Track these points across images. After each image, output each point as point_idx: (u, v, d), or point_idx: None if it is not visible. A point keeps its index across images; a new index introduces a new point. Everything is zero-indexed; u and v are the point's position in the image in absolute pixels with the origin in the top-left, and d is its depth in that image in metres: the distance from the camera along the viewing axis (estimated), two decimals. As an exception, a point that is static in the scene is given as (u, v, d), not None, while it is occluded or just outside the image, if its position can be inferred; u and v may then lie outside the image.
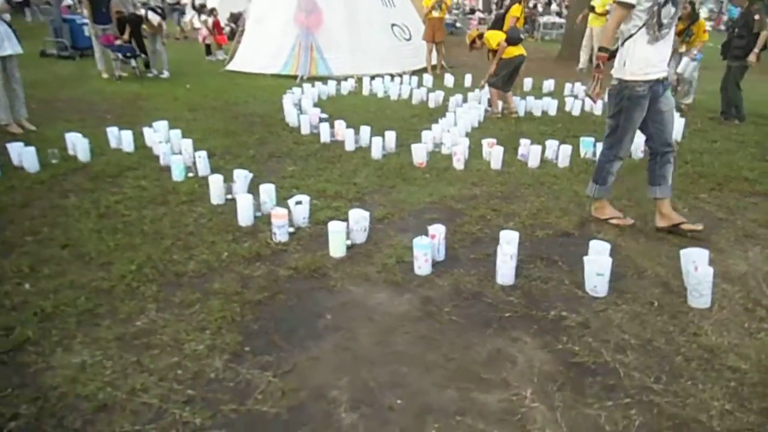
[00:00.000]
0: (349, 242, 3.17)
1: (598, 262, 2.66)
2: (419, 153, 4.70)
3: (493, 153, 4.68)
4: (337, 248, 3.10)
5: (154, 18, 8.48)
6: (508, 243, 2.93)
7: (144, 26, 8.52)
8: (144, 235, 3.28)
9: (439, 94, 7.29)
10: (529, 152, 4.75)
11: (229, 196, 3.85)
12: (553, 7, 21.90)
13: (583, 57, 10.60)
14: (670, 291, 2.75)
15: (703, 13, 16.03)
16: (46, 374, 2.10)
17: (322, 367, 2.19)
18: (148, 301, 2.60)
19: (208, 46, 11.45)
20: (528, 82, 8.42)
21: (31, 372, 2.11)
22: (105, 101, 7.10)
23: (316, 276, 2.89)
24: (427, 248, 2.89)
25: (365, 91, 8.07)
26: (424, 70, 9.91)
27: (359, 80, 8.41)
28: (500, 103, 6.70)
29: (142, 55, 8.68)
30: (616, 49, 3.32)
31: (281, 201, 3.65)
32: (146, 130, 5.06)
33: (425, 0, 9.87)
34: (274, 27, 9.56)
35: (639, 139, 5.11)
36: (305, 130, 5.67)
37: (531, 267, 2.97)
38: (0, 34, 5.10)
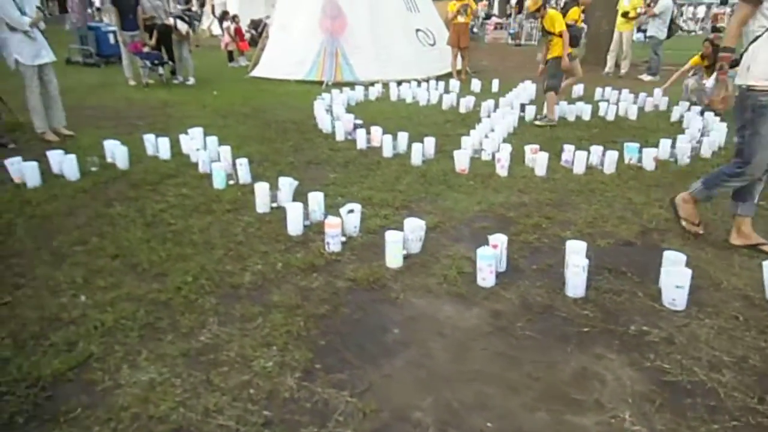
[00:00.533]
0: (404, 252, 3.07)
1: (677, 274, 2.53)
2: (462, 159, 4.59)
3: (538, 159, 4.56)
4: (394, 259, 3.00)
5: (182, 27, 8.48)
6: (576, 253, 2.81)
7: (173, 35, 8.52)
8: (194, 245, 3.20)
9: (470, 100, 7.19)
10: (575, 158, 4.63)
11: (275, 204, 3.77)
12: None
13: (610, 62, 10.46)
14: (752, 304, 2.62)
15: None
16: (116, 393, 2.01)
17: (399, 385, 2.08)
18: (208, 315, 2.51)
19: (230, 53, 11.46)
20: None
21: (99, 390, 2.03)
22: (134, 108, 7.08)
23: (375, 288, 2.79)
24: (492, 259, 2.77)
25: (393, 97, 8.00)
26: (449, 75, 9.81)
27: (386, 86, 8.35)
28: (557, 109, 6.52)
29: (170, 63, 8.67)
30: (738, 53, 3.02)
31: (327, 209, 3.57)
32: (183, 138, 5.00)
33: (450, 5, 9.80)
34: (299, 33, 9.53)
35: (686, 144, 4.99)
36: (340, 136, 5.59)
37: (599, 278, 2.84)
38: (37, 43, 5.09)
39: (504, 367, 2.19)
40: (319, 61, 9.31)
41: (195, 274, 2.84)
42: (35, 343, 2.28)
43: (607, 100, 7.43)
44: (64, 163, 4.26)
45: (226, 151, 4.58)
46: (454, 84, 8.59)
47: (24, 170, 4.08)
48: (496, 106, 7.02)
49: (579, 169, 4.61)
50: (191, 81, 8.94)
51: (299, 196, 3.85)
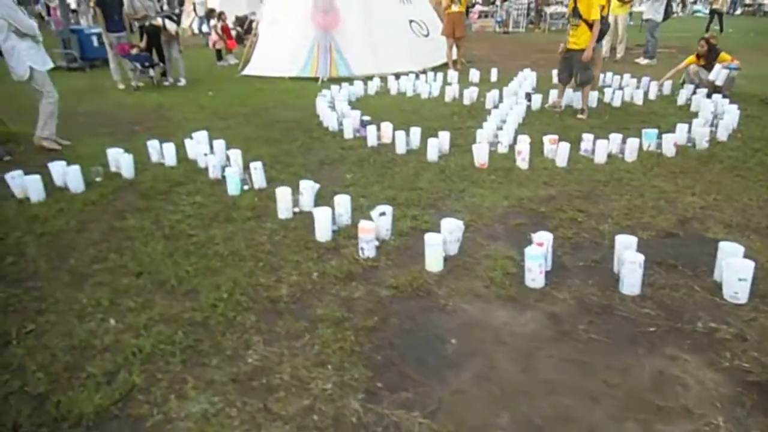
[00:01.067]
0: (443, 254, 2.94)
1: (740, 267, 2.43)
2: (481, 154, 4.46)
3: (559, 150, 4.45)
4: (434, 262, 2.87)
5: (171, 26, 8.19)
6: (627, 248, 2.70)
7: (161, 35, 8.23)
8: (220, 257, 3.03)
9: (474, 90, 7.05)
10: (595, 147, 4.53)
11: (296, 210, 3.61)
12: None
13: (606, 46, 10.37)
14: (815, 294, 2.54)
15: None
16: (167, 429, 1.85)
17: (471, 402, 1.96)
18: (251, 333, 2.36)
19: (218, 51, 11.16)
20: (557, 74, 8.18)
21: (149, 427, 1.87)
22: (128, 112, 6.82)
23: (420, 294, 2.65)
24: (542, 258, 2.65)
25: (393, 91, 7.83)
26: (445, 66, 9.66)
27: (384, 79, 8.18)
28: (565, 97, 6.38)
29: (161, 64, 8.39)
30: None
31: (354, 212, 3.42)
32: (188, 142, 4.80)
33: (444, -6, 9.62)
34: (291, 29, 9.28)
35: (704, 129, 4.92)
36: (348, 134, 5.42)
37: (651, 273, 2.73)
38: (42, 48, 4.92)
39: (577, 375, 2.07)
40: (313, 57, 9.09)
41: (228, 289, 2.67)
42: (70, 376, 2.11)
43: (610, 86, 7.35)
44: (68, 174, 4.03)
45: (236, 154, 4.39)
46: (453, 75, 8.44)
47: (27, 184, 3.85)
48: (501, 96, 6.90)
49: (600, 158, 4.50)
50: (182, 82, 8.66)
51: (319, 199, 3.70)
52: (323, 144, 5.27)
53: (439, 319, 2.46)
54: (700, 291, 2.58)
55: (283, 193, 3.52)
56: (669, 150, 4.63)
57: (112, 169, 4.48)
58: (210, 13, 11.41)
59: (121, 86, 8.43)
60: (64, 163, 4.16)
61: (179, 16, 8.87)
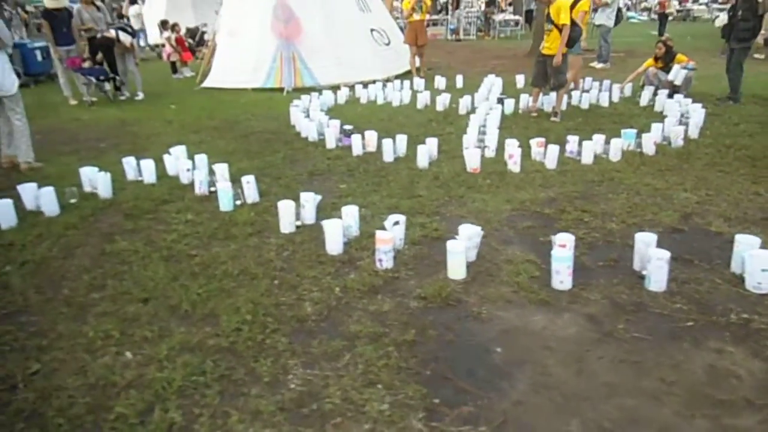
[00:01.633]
0: (463, 261, 2.88)
1: (763, 258, 2.51)
2: (473, 159, 4.46)
3: (548, 152, 4.51)
4: (457, 270, 2.81)
5: (126, 38, 7.79)
6: (647, 245, 2.74)
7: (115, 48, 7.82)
8: (230, 277, 2.85)
9: (446, 97, 7.08)
10: (582, 149, 4.62)
11: (298, 223, 3.47)
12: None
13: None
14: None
15: None
16: (224, 467, 1.70)
17: (536, 412, 1.90)
18: (286, 357, 2.21)
19: (173, 64, 10.75)
20: (520, 79, 8.37)
21: (201, 467, 1.70)
22: (89, 129, 6.42)
23: (451, 303, 2.58)
24: (570, 260, 2.64)
25: (363, 99, 7.77)
26: (408, 74, 9.69)
27: (352, 88, 8.11)
28: (539, 101, 6.53)
29: (117, 78, 7.96)
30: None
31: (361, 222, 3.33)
32: (167, 158, 4.55)
33: (405, 2, 9.67)
34: (251, 39, 9.05)
35: (678, 128, 5.13)
36: (330, 144, 5.30)
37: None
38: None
39: (632, 376, 2.05)
40: (276, 67, 8.90)
41: (249, 310, 2.51)
42: (96, 419, 1.90)
43: (576, 89, 7.57)
44: (42, 197, 3.72)
45: (223, 169, 4.19)
46: (419, 82, 8.46)
47: (-4, 210, 3.53)
48: (473, 102, 6.97)
49: (587, 159, 4.59)
50: (140, 96, 8.26)
51: (318, 211, 3.57)
52: (307, 155, 5.13)
53: (478, 328, 2.39)
54: (722, 283, 2.65)
55: (286, 207, 3.38)
56: (649, 149, 4.79)
57: (86, 189, 4.18)
58: (163, 25, 10.96)
59: (73, 102, 7.95)
60: (34, 185, 3.84)
61: (132, 27, 8.40)
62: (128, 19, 16.02)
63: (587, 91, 7.19)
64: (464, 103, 6.80)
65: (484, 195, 3.94)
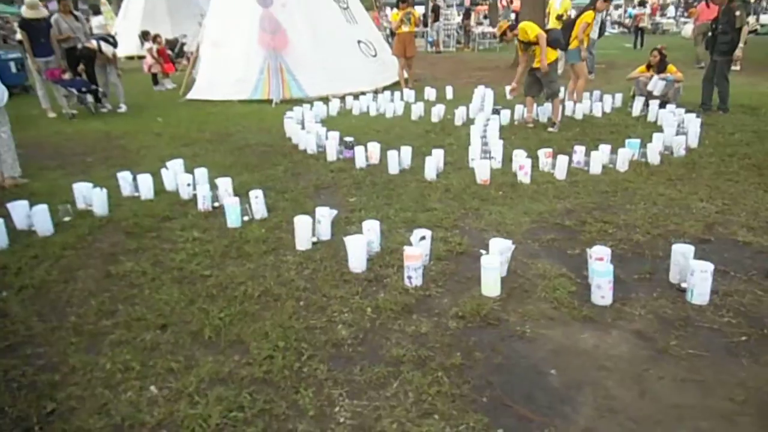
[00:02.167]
0: (494, 277, 2.77)
1: (807, 268, 2.46)
2: (483, 170, 4.37)
3: (558, 163, 4.46)
4: (492, 286, 2.69)
5: (108, 49, 7.51)
6: (685, 257, 2.67)
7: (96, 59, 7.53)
8: (252, 298, 2.67)
9: (440, 108, 7.02)
10: (590, 159, 4.58)
11: (314, 239, 3.31)
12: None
13: (561, 61, 10.81)
14: None
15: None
16: None
17: (608, 439, 1.78)
18: (328, 386, 2.05)
19: (154, 76, 10.45)
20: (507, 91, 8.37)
21: None
22: (73, 143, 6.13)
23: (492, 322, 2.46)
24: (610, 275, 2.55)
25: (355, 111, 7.65)
26: (396, 85, 9.63)
27: (342, 99, 7.99)
28: (534, 112, 6.51)
29: (100, 89, 7.66)
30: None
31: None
32: (165, 173, 4.33)
33: (393, 15, 9.64)
34: (237, 50, 8.87)
35: (679, 138, 5.15)
36: (331, 156, 5.15)
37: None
38: None
39: (698, 396, 1.96)
40: (264, 79, 8.72)
41: (280, 335, 2.34)
42: (129, 464, 1.71)
43: (570, 100, 7.60)
44: (35, 215, 3.47)
45: (226, 183, 4.00)
46: (408, 94, 8.40)
47: (-15, 231, 3.27)
48: (468, 113, 6.93)
49: (596, 169, 4.56)
50: (123, 108, 7.96)
51: (332, 226, 3.43)
52: (308, 167, 4.97)
53: (525, 349, 2.27)
54: (764, 295, 2.59)
55: (302, 223, 3.21)
56: (655, 158, 4.79)
57: (80, 206, 3.93)
58: (144, 36, 10.66)
59: (52, 114, 7.61)
60: (26, 203, 3.59)
61: (114, 37, 8.11)
62: (91, 29, 15.65)
63: (580, 102, 7.22)
64: (459, 114, 6.74)
65: (500, 207, 3.85)
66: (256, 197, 3.70)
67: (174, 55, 12.95)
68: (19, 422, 1.89)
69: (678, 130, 5.66)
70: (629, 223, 3.50)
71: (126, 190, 4.21)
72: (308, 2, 9.32)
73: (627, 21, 22.59)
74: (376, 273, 2.92)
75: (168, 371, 2.15)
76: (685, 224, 3.43)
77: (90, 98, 7.51)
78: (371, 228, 3.13)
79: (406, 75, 9.83)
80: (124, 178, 4.20)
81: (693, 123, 5.68)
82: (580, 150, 4.73)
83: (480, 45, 18.19)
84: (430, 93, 8.59)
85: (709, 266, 2.51)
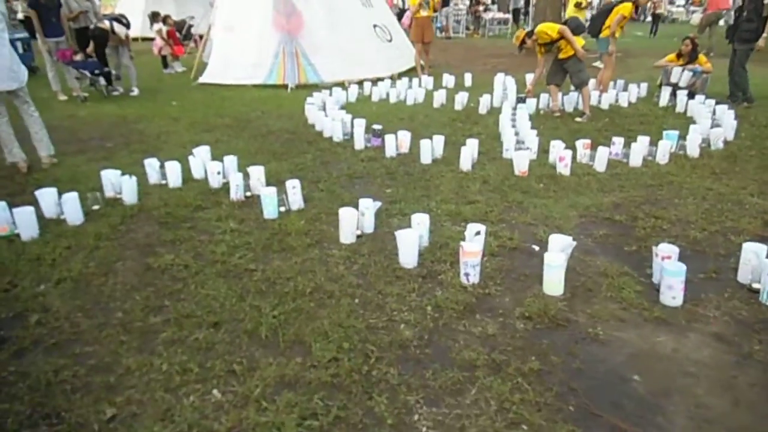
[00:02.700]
0: (554, 275, 2.65)
1: None
2: (522, 162, 4.24)
3: (598, 155, 4.32)
4: (555, 285, 2.57)
5: (121, 30, 7.30)
6: (757, 255, 2.56)
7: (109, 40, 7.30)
8: (304, 295, 2.54)
9: (464, 96, 6.86)
10: (631, 151, 4.44)
11: (359, 232, 3.18)
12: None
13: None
14: None
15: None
16: None
17: (711, 454, 1.68)
18: (402, 392, 1.93)
19: (164, 58, 10.21)
20: (530, 78, 8.20)
21: None
22: (90, 127, 5.95)
23: (561, 323, 2.34)
24: (683, 274, 2.44)
25: (374, 97, 7.47)
26: (412, 71, 9.43)
27: (360, 85, 7.81)
28: (559, 101, 6.38)
29: (113, 71, 7.46)
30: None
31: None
32: (192, 160, 4.17)
33: (411, -1, 9.40)
34: (251, 34, 8.64)
35: (717, 130, 5.02)
36: (359, 144, 5.00)
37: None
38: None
39: (797, 407, 1.86)
40: (279, 63, 8.50)
41: (342, 336, 2.22)
42: (205, 478, 1.59)
43: (595, 89, 7.43)
44: (65, 204, 3.33)
45: (259, 172, 3.85)
46: (426, 80, 8.24)
47: (17, 218, 3.12)
48: (491, 101, 6.77)
49: (635, 162, 4.43)
50: (135, 92, 7.77)
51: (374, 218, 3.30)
52: (336, 156, 4.81)
53: (602, 353, 2.16)
54: (841, 297, 2.49)
55: (348, 215, 3.08)
56: (694, 151, 4.65)
57: (108, 194, 3.78)
58: (154, 17, 10.39)
59: (63, 97, 7.41)
60: (55, 190, 3.44)
61: (127, 18, 7.87)
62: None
63: (605, 92, 7.06)
64: (484, 102, 6.58)
65: (544, 200, 3.72)
66: (294, 188, 3.56)
67: (181, 37, 12.68)
68: (79, 429, 1.77)
69: (713, 121, 5.53)
70: (681, 218, 3.38)
71: (153, 177, 4.06)
72: (324, -17, 9.10)
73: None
74: (429, 269, 2.80)
75: (229, 374, 2.03)
76: (742, 221, 3.31)
77: (102, 81, 7.31)
78: (421, 222, 3.00)
79: (422, 61, 9.64)
80: (151, 165, 4.05)
81: (727, 115, 5.54)
82: (618, 141, 4.59)
83: (489, 31, 17.91)
84: (448, 80, 8.40)
85: (787, 267, 2.40)
